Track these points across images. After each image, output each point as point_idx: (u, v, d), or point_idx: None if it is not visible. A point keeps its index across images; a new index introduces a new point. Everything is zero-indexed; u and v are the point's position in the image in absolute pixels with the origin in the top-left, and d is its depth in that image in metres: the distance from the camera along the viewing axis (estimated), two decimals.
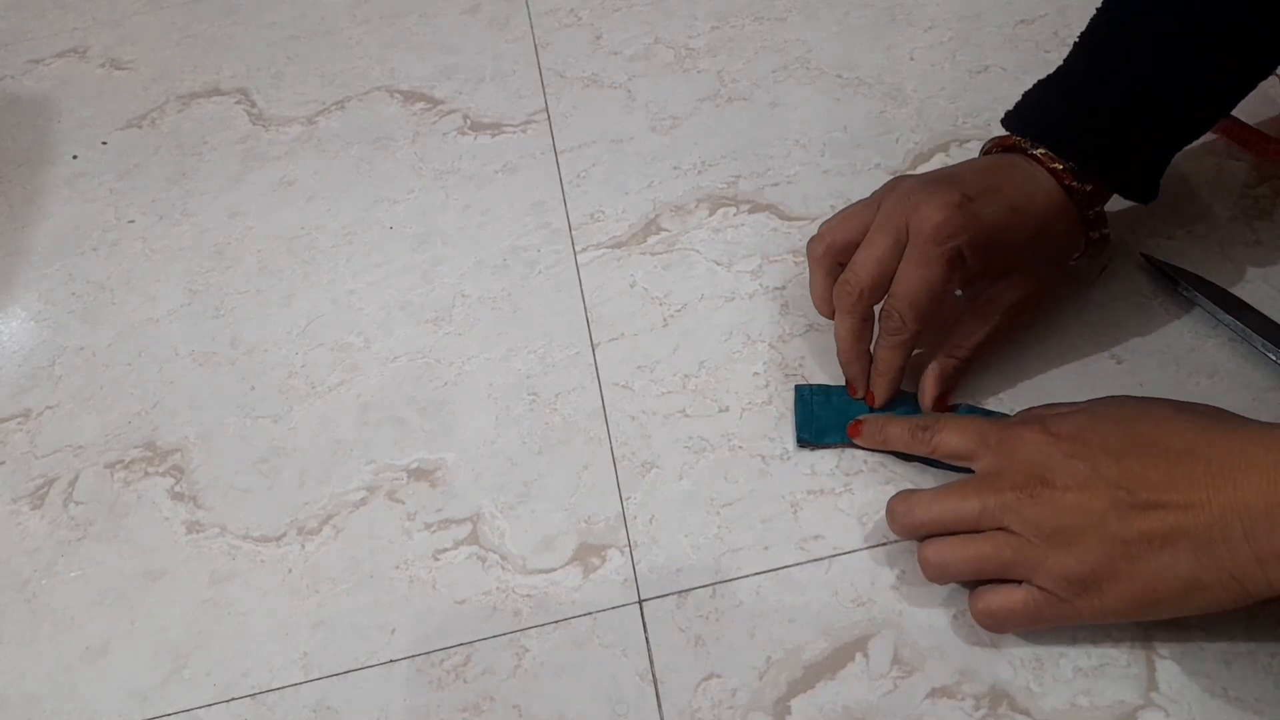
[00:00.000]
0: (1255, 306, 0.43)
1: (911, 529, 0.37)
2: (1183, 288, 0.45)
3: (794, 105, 0.58)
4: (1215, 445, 0.31)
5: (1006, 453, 0.35)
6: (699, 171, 0.55)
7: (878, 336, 0.41)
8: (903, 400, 0.42)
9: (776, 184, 0.54)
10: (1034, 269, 0.41)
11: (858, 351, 0.42)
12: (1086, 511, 0.32)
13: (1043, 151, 0.40)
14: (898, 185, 0.40)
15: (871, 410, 0.42)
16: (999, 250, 0.39)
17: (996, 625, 0.35)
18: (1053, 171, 0.40)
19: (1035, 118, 0.42)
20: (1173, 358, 0.43)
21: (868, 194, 0.42)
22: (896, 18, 0.63)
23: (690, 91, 0.60)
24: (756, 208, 0.53)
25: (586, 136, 0.59)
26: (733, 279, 0.50)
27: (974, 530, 0.35)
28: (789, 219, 0.52)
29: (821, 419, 0.42)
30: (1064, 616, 0.34)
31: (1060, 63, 0.43)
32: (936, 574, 0.36)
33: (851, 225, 0.41)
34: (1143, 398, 0.36)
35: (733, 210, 0.53)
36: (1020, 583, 0.34)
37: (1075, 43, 0.42)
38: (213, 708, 0.38)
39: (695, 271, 0.50)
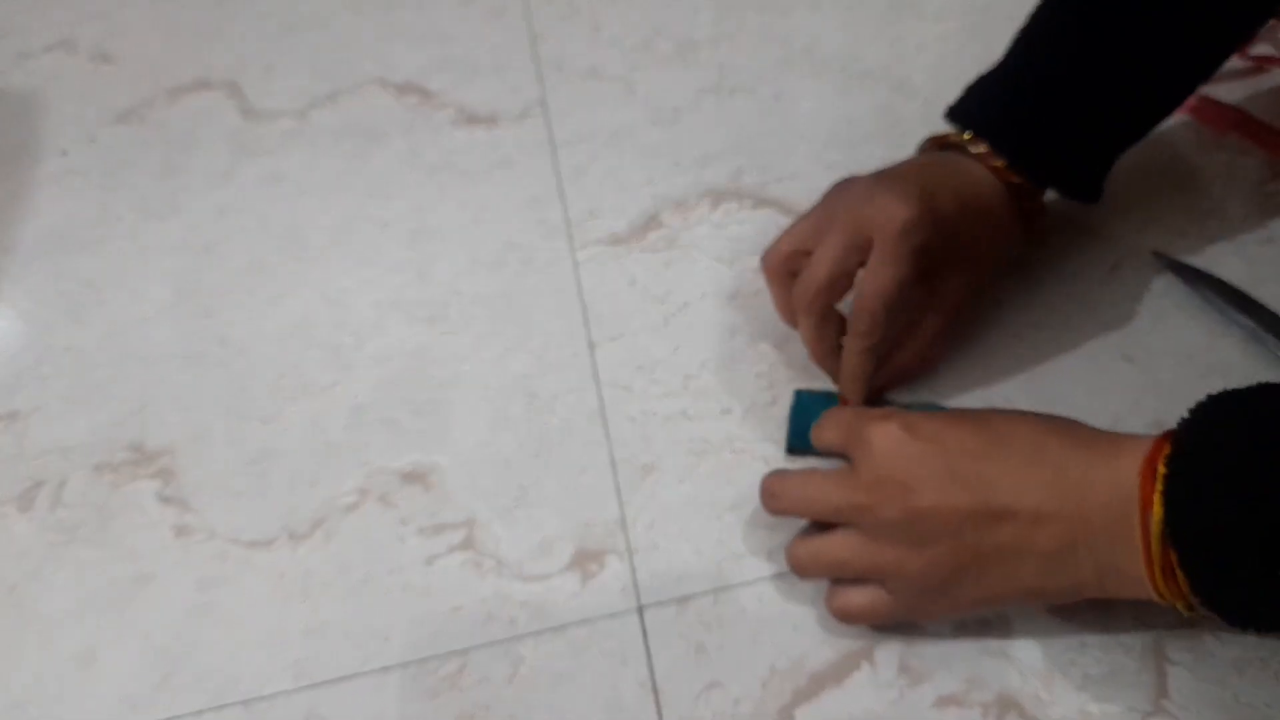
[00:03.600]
0: (1268, 306, 0.43)
1: (777, 512, 0.37)
2: (1195, 286, 0.44)
3: (798, 98, 0.58)
4: (1064, 450, 0.32)
5: (866, 449, 0.35)
6: (701, 166, 0.55)
7: (848, 339, 0.41)
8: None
9: (780, 179, 0.53)
10: (979, 260, 0.42)
11: (825, 350, 0.42)
12: (944, 520, 0.33)
13: (979, 150, 0.41)
14: (849, 186, 0.41)
15: None
16: (954, 242, 0.40)
17: (849, 621, 0.36)
18: (991, 168, 0.41)
19: (973, 110, 0.42)
20: (1185, 357, 0.43)
21: None
22: (903, 8, 0.62)
23: (691, 84, 0.60)
24: (760, 203, 0.52)
25: (585, 130, 0.58)
26: (735, 277, 0.49)
27: (834, 521, 0.36)
28: (794, 215, 0.51)
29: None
30: (912, 617, 0.36)
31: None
32: (798, 572, 0.37)
33: (803, 233, 0.41)
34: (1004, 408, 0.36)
35: (735, 206, 0.52)
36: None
37: (1015, 35, 0.43)
38: (203, 715, 0.38)
39: (697, 269, 0.50)
